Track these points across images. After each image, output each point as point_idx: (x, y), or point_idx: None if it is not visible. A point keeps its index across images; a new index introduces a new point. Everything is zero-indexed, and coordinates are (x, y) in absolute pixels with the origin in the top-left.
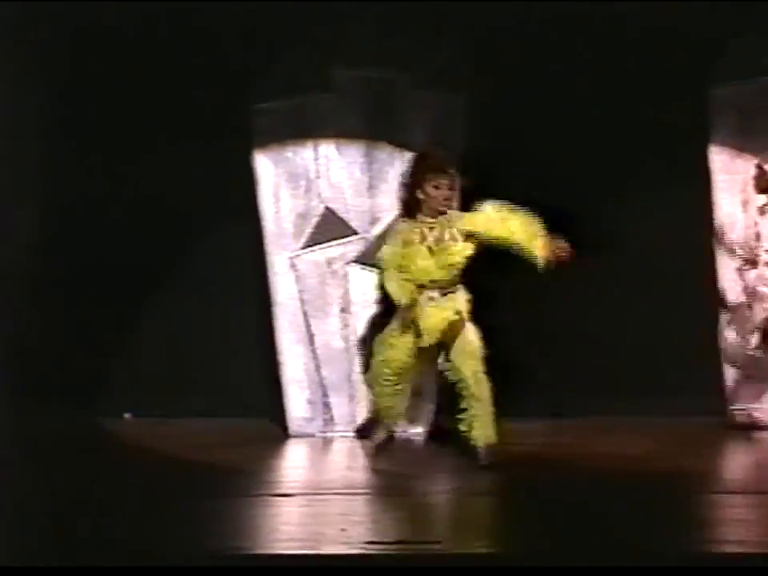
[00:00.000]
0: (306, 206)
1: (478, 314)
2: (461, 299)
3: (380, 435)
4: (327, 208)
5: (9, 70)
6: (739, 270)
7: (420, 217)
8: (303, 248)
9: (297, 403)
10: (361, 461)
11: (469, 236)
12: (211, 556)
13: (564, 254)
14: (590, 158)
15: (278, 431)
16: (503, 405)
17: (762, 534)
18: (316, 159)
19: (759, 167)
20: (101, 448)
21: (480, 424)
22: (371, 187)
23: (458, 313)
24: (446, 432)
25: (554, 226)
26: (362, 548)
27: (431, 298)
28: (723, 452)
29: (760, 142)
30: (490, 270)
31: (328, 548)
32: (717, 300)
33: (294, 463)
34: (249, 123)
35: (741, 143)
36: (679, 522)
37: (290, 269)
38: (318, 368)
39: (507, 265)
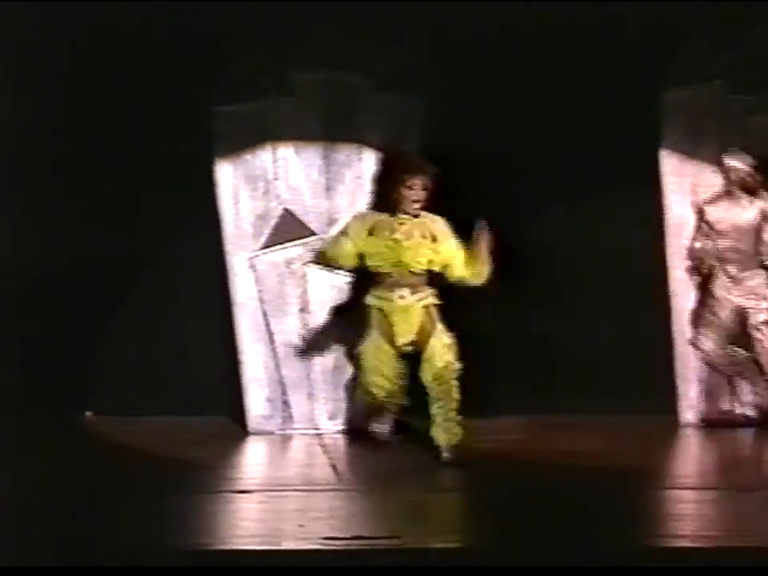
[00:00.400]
0: (264, 207)
1: (450, 316)
2: (430, 300)
3: (382, 428)
4: (286, 209)
5: None
6: (690, 271)
7: (392, 215)
8: (262, 249)
9: (256, 401)
10: (319, 458)
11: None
12: (172, 552)
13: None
14: (544, 161)
15: (238, 429)
16: (467, 403)
17: (712, 528)
18: (275, 161)
19: (752, 167)
20: (62, 446)
21: (442, 423)
22: (329, 189)
23: (427, 310)
24: (410, 430)
25: (506, 227)
26: (320, 543)
27: (402, 297)
28: (677, 449)
29: (709, 146)
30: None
31: (287, 544)
32: (668, 302)
33: (253, 460)
34: (208, 126)
35: (691, 147)
36: (632, 517)
37: (249, 269)
38: (277, 367)
39: None
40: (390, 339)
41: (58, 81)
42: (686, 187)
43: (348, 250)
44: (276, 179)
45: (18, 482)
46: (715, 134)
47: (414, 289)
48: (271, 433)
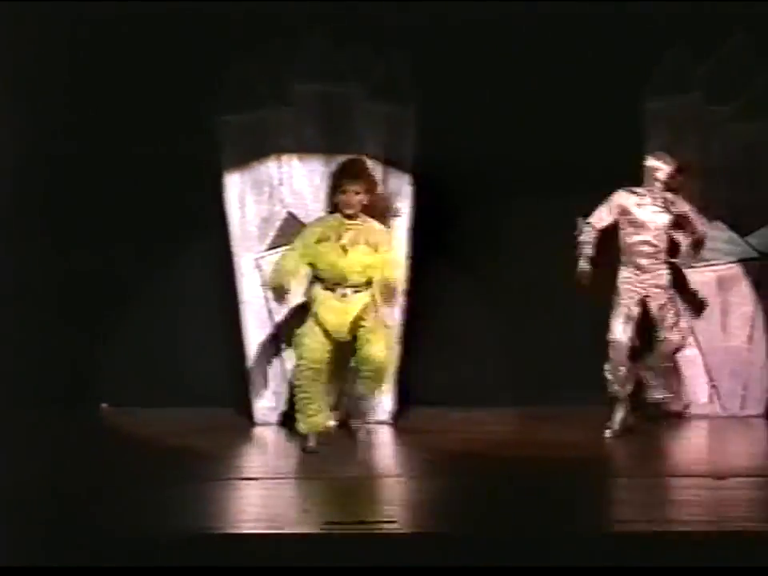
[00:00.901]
0: (269, 211)
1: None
2: (363, 301)
3: (311, 443)
4: (289, 213)
5: None
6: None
7: (337, 217)
8: (267, 250)
9: (261, 396)
10: (319, 448)
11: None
12: (182, 536)
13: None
14: (533, 169)
15: (244, 420)
16: (455, 395)
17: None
18: (279, 168)
19: (676, 168)
20: (79, 436)
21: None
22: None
23: (365, 310)
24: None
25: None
26: (323, 528)
27: (344, 296)
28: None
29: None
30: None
31: (291, 528)
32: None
33: (259, 449)
34: (216, 135)
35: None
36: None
37: (255, 269)
38: (281, 361)
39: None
40: (325, 329)
41: (68, 90)
42: None
43: (292, 265)
44: (280, 185)
45: (36, 470)
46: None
47: (355, 289)
48: (275, 423)
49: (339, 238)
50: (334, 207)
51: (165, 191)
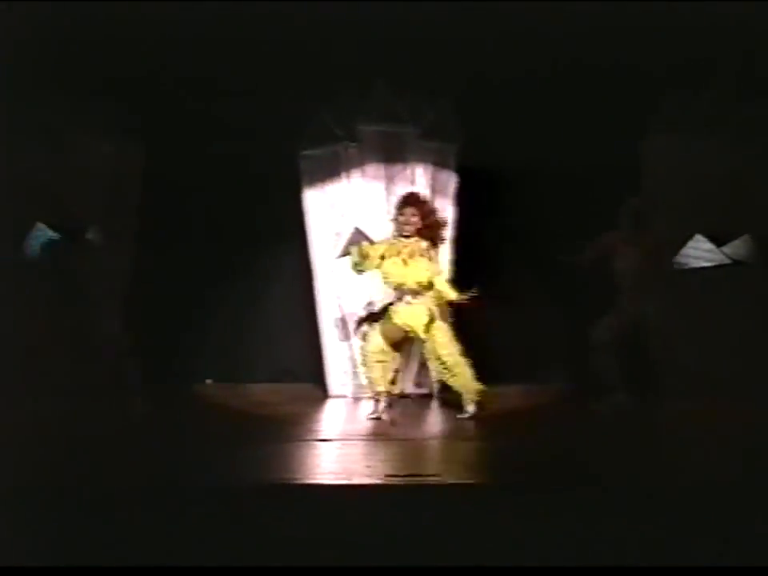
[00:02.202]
0: (341, 226)
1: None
2: (430, 302)
3: (378, 409)
4: (356, 228)
5: None
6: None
7: (396, 236)
8: (339, 257)
9: (335, 373)
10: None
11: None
12: (271, 485)
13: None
14: (563, 203)
15: (321, 393)
16: (486, 374)
17: None
18: (348, 192)
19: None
20: (188, 406)
21: (463, 387)
22: (389, 212)
23: (428, 312)
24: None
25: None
26: (382, 479)
27: (408, 303)
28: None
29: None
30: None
31: (357, 479)
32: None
33: (332, 417)
34: (301, 166)
35: None
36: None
37: (329, 273)
38: (350, 346)
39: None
40: (389, 334)
41: (176, 113)
42: None
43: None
44: (349, 205)
45: (153, 433)
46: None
47: (416, 295)
48: (346, 396)
49: (399, 254)
50: (398, 230)
51: (263, 210)
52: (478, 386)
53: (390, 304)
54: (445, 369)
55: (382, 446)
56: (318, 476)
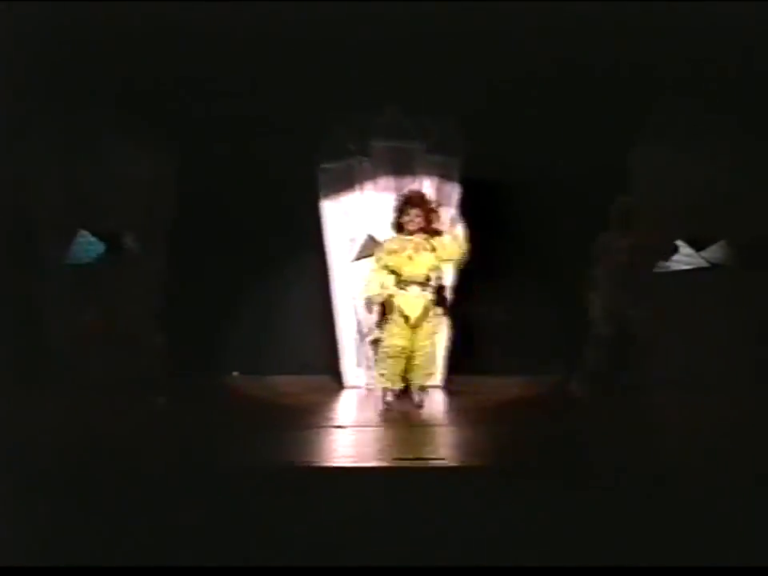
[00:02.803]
0: (354, 233)
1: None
2: (428, 296)
3: (388, 398)
4: (369, 235)
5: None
6: None
7: (402, 235)
8: (353, 261)
9: (349, 366)
10: (392, 404)
11: (433, 250)
12: (291, 467)
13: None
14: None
15: (337, 384)
16: (484, 363)
17: None
18: (361, 201)
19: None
20: (218, 396)
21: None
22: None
23: (425, 303)
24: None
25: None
26: (392, 462)
27: (408, 292)
28: None
29: None
30: None
31: (369, 462)
32: None
33: (346, 406)
34: (319, 178)
35: None
36: None
37: (344, 274)
38: (363, 342)
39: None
40: (405, 317)
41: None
42: None
43: (375, 286)
44: (363, 214)
45: (182, 420)
46: None
47: (422, 286)
48: (359, 387)
49: (404, 250)
50: (399, 227)
51: (286, 218)
52: (423, 383)
53: (391, 295)
54: (412, 355)
55: (391, 431)
56: (333, 459)
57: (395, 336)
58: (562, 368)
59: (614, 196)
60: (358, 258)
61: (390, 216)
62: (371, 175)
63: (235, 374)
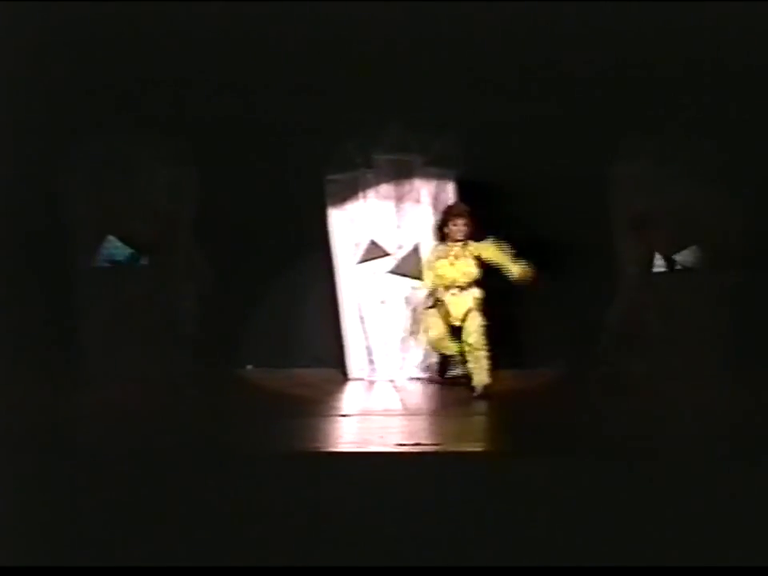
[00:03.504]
0: (358, 238)
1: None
2: (472, 296)
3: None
4: (372, 240)
5: None
6: None
7: (447, 243)
8: (358, 263)
9: (354, 360)
10: (393, 395)
11: (476, 257)
12: (299, 453)
13: (528, 276)
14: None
15: (342, 377)
16: (500, 357)
17: None
18: (365, 210)
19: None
20: (233, 387)
21: (477, 371)
22: (398, 227)
23: (471, 303)
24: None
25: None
26: (393, 447)
27: (453, 294)
28: None
29: None
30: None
31: (371, 447)
32: None
33: (351, 396)
34: (326, 188)
35: None
36: None
37: (349, 276)
38: (366, 338)
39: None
40: (446, 318)
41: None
42: None
43: (428, 275)
44: (366, 221)
45: (198, 409)
46: None
47: (461, 289)
48: (362, 379)
49: (447, 256)
50: (443, 235)
51: (297, 225)
52: (485, 379)
53: (438, 299)
54: (468, 352)
55: (393, 420)
56: (339, 445)
57: (435, 329)
58: (554, 362)
59: (610, 203)
60: (361, 261)
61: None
62: (374, 185)
63: (249, 367)
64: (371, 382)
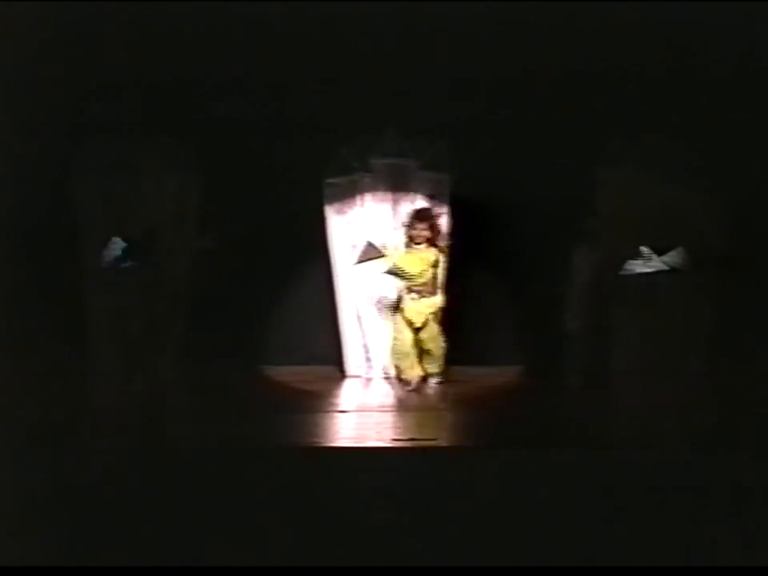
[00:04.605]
0: (356, 240)
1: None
2: (433, 303)
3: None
4: (368, 241)
5: None
6: None
7: (412, 245)
8: (355, 264)
9: (351, 357)
10: (389, 392)
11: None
12: (298, 447)
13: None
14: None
15: (340, 374)
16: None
17: None
18: (363, 212)
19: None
20: (236, 384)
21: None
22: (394, 229)
23: (430, 311)
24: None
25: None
26: (389, 442)
27: (413, 299)
28: None
29: None
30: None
31: (368, 443)
32: None
33: (349, 393)
34: (324, 191)
35: None
36: None
37: (347, 277)
38: (364, 336)
39: None
40: (409, 322)
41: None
42: None
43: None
44: (364, 223)
45: (205, 404)
46: None
47: (421, 294)
48: (360, 377)
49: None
50: (409, 239)
51: (297, 227)
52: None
53: (399, 299)
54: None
55: (389, 416)
56: (337, 440)
57: (401, 330)
58: (530, 359)
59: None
60: (358, 262)
61: (388, 227)
62: (371, 189)
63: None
64: (368, 379)
